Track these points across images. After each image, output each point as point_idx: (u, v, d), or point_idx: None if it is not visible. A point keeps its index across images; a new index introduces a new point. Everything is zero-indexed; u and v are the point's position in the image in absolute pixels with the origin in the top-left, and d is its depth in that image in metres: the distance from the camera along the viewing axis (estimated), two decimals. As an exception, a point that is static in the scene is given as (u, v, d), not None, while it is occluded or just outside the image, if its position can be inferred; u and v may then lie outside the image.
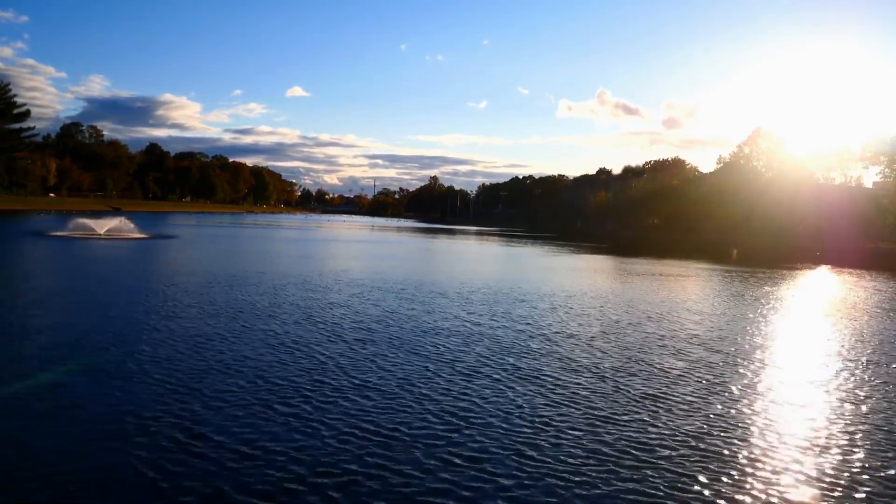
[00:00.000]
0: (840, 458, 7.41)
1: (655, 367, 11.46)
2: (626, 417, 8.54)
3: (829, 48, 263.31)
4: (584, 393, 9.63)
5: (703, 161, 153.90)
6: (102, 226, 42.74)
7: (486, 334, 13.84)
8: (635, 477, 6.66)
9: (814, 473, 6.92)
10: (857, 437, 8.17)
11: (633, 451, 7.34)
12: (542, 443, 7.49)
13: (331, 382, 9.55)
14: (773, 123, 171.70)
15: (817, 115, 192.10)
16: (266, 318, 14.57)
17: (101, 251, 32.15)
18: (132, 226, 44.46)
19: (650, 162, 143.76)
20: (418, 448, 7.12)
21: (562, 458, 7.07)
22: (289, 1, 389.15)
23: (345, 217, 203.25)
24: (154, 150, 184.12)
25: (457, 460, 6.85)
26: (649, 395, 9.68)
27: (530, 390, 9.65)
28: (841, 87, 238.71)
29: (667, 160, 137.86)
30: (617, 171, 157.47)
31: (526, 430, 7.88)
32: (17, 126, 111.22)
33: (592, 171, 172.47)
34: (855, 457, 7.46)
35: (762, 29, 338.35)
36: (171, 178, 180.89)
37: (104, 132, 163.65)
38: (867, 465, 7.22)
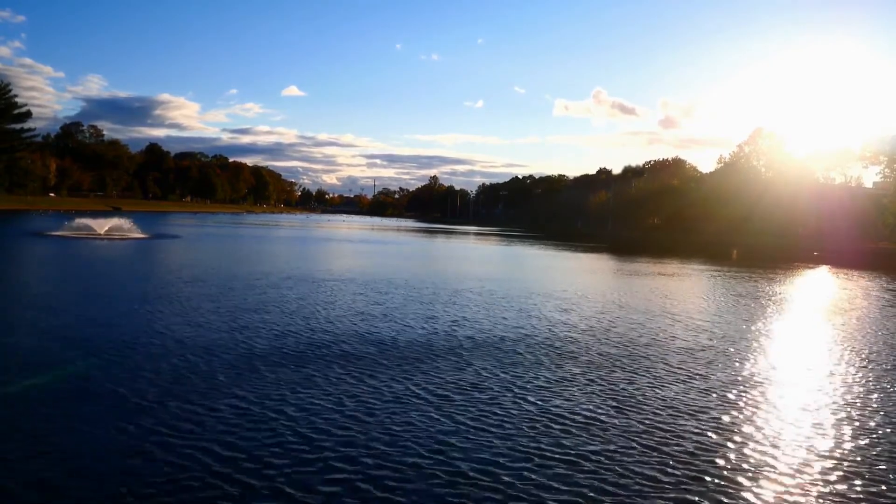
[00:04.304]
0: (837, 458, 7.40)
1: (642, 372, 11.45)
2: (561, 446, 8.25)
3: (829, 48, 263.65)
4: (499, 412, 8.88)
5: (702, 161, 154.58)
6: (102, 225, 42.64)
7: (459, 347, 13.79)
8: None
9: (812, 476, 6.92)
10: (855, 437, 8.16)
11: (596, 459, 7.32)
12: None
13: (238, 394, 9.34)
14: (772, 123, 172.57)
15: (817, 115, 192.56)
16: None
17: (100, 252, 32.13)
18: (132, 225, 44.41)
19: (650, 162, 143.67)
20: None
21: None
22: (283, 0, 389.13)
23: (344, 217, 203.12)
24: (154, 150, 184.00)
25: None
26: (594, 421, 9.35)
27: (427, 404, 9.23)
28: (841, 87, 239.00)
29: (667, 160, 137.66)
30: (617, 171, 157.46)
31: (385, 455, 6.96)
32: (17, 126, 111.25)
33: (592, 171, 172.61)
34: (854, 458, 7.45)
35: (761, 29, 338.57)
36: (171, 178, 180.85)
37: (104, 132, 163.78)
38: (867, 467, 7.21)
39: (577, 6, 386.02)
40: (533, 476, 6.52)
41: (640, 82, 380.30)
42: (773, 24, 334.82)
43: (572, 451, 7.20)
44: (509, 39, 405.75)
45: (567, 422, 8.20)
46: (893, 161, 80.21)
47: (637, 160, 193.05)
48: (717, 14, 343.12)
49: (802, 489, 6.52)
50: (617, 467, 6.82)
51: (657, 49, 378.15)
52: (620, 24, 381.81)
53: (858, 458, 7.38)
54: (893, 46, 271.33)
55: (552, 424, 8.07)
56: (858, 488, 6.59)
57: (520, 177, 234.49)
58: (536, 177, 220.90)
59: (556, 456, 7.05)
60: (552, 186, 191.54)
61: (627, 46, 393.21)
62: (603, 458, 7.04)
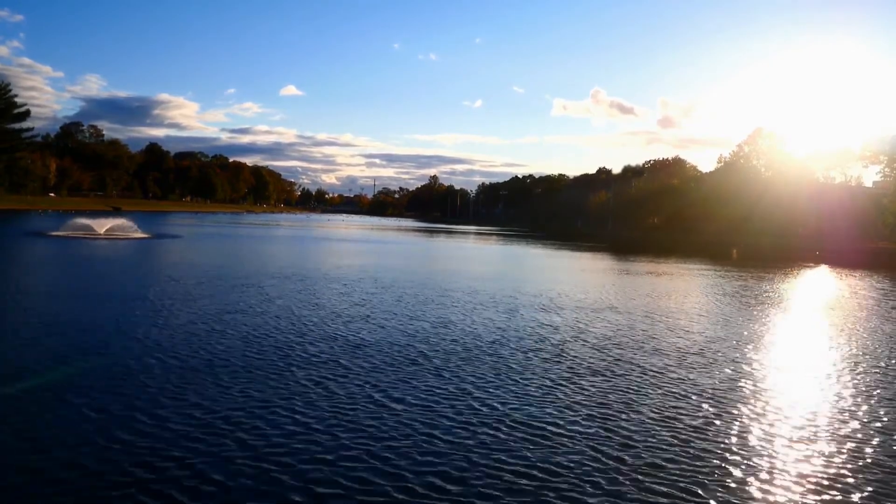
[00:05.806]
0: (821, 460, 7.38)
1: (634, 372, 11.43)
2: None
3: (829, 48, 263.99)
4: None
5: (701, 160, 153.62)
6: (102, 225, 42.59)
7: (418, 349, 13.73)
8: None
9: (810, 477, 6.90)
10: (838, 439, 8.12)
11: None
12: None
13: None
14: (772, 123, 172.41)
15: (817, 115, 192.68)
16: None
17: (99, 252, 32.06)
18: (133, 225, 44.33)
19: (650, 161, 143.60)
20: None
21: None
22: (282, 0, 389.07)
23: (344, 217, 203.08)
24: (154, 150, 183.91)
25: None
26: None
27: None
28: (841, 87, 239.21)
29: (667, 160, 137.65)
30: (616, 170, 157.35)
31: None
32: (17, 126, 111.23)
33: (592, 171, 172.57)
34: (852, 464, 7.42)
35: (761, 29, 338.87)
36: (171, 178, 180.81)
37: (103, 132, 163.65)
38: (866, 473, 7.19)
39: (577, 6, 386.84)
40: (506, 485, 6.44)
41: (639, 82, 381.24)
42: (773, 24, 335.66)
43: (546, 460, 7.09)
44: (508, 39, 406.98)
45: (547, 428, 8.10)
46: (893, 161, 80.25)
47: (637, 160, 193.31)
48: (717, 14, 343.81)
49: (785, 494, 6.51)
50: (598, 476, 6.79)
51: (657, 49, 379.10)
52: (620, 24, 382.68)
53: (841, 460, 7.37)
54: (893, 46, 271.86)
55: (530, 432, 7.95)
56: (845, 490, 6.59)
57: (519, 176, 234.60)
58: (536, 176, 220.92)
59: (529, 464, 6.98)
60: (552, 186, 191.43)
61: (627, 46, 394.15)
62: (577, 466, 6.97)
